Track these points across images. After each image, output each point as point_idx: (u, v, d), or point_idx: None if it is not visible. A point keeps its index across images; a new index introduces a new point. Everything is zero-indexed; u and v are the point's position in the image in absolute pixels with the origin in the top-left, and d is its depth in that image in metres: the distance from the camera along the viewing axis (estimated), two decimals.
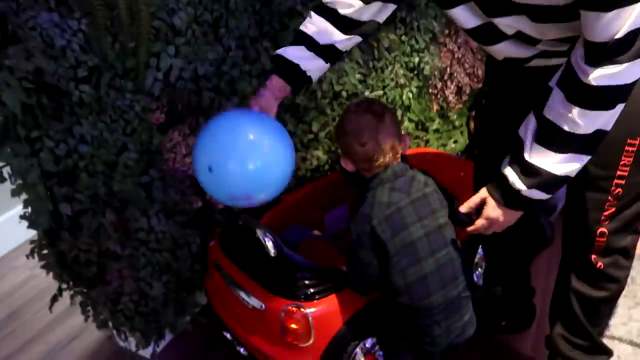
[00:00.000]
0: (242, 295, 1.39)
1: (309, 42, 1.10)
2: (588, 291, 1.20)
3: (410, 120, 2.09)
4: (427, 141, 2.22)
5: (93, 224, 1.27)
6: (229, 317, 1.46)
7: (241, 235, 1.47)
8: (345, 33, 1.10)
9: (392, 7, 1.10)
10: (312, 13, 1.11)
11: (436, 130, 2.22)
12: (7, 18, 1.02)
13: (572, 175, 0.91)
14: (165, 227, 1.44)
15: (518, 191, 0.94)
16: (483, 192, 1.01)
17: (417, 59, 2.02)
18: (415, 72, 2.05)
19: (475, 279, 1.72)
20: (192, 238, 1.56)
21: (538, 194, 0.93)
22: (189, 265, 1.56)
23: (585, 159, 0.90)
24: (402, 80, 2.00)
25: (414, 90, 2.04)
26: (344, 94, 1.87)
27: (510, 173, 0.94)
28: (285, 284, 1.30)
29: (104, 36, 1.17)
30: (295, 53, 1.10)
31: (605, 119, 0.85)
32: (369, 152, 1.10)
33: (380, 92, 1.97)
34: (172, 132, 1.49)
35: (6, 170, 1.23)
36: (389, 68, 1.97)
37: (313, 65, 1.12)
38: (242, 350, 1.44)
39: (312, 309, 1.26)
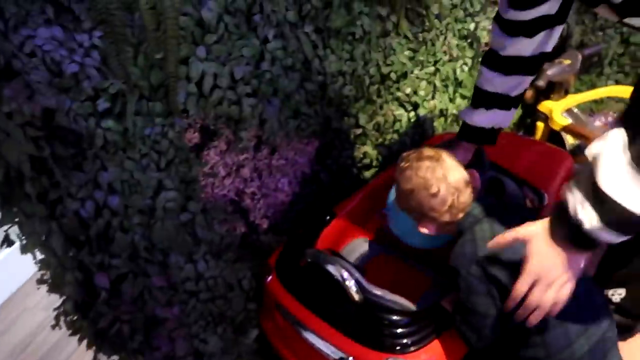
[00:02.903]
0: (319, 344, 1.15)
1: (488, 101, 1.03)
2: None
3: (462, 96, 1.81)
4: None
5: (136, 289, 1.00)
6: None
7: (308, 269, 1.21)
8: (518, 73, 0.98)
9: (559, 30, 0.90)
10: (483, 68, 1.02)
11: None
12: None
13: None
14: (214, 270, 1.18)
15: (578, 225, 0.64)
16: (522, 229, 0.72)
17: (472, 25, 1.72)
18: (470, 40, 1.75)
19: None
20: (242, 273, 1.30)
21: (607, 235, 0.64)
22: (243, 305, 1.31)
23: None
24: (455, 52, 1.71)
25: (468, 61, 1.76)
26: (392, 75, 1.58)
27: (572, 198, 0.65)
28: (377, 333, 1.07)
29: (124, 49, 0.86)
30: (477, 118, 1.07)
31: None
32: (445, 199, 0.93)
33: (432, 69, 1.68)
34: (207, 152, 1.20)
35: (14, 231, 0.95)
36: (441, 39, 1.67)
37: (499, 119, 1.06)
38: None
39: None
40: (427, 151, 0.99)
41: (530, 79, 1.01)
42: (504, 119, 1.06)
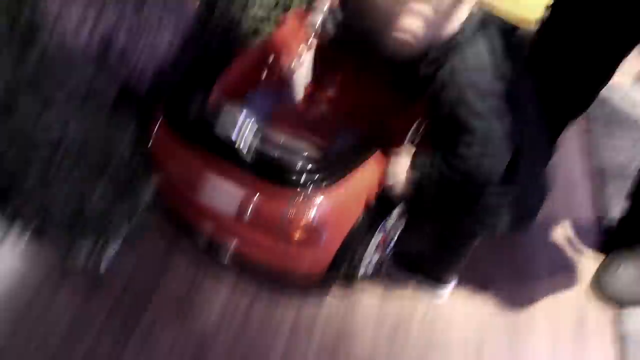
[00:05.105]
0: (219, 191, 1.03)
1: None
2: None
3: None
4: None
5: None
6: (199, 219, 1.12)
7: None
8: None
9: None
10: None
11: None
12: None
13: None
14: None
15: None
16: None
17: None
18: None
19: None
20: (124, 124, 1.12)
21: None
22: (127, 160, 1.14)
23: None
24: None
25: None
26: None
27: None
28: (282, 171, 0.98)
29: None
30: None
31: None
32: None
33: None
34: None
35: None
36: None
37: None
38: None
39: (325, 198, 0.96)
40: None
41: None
42: None
